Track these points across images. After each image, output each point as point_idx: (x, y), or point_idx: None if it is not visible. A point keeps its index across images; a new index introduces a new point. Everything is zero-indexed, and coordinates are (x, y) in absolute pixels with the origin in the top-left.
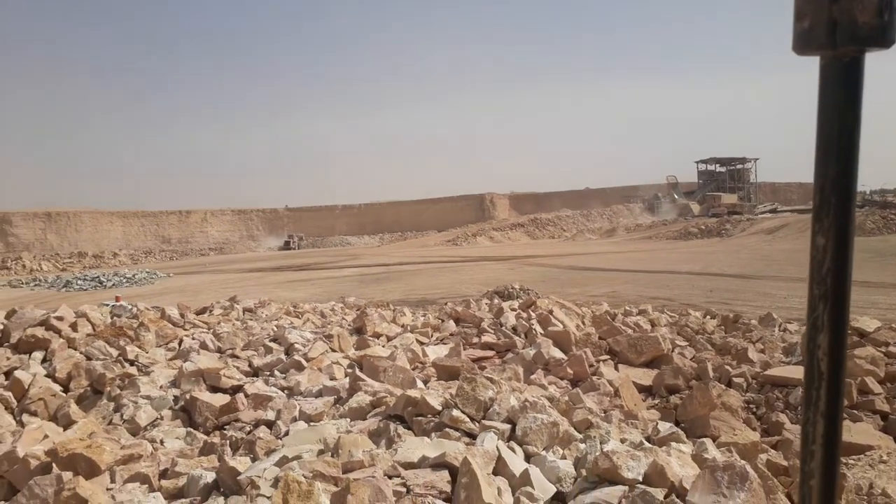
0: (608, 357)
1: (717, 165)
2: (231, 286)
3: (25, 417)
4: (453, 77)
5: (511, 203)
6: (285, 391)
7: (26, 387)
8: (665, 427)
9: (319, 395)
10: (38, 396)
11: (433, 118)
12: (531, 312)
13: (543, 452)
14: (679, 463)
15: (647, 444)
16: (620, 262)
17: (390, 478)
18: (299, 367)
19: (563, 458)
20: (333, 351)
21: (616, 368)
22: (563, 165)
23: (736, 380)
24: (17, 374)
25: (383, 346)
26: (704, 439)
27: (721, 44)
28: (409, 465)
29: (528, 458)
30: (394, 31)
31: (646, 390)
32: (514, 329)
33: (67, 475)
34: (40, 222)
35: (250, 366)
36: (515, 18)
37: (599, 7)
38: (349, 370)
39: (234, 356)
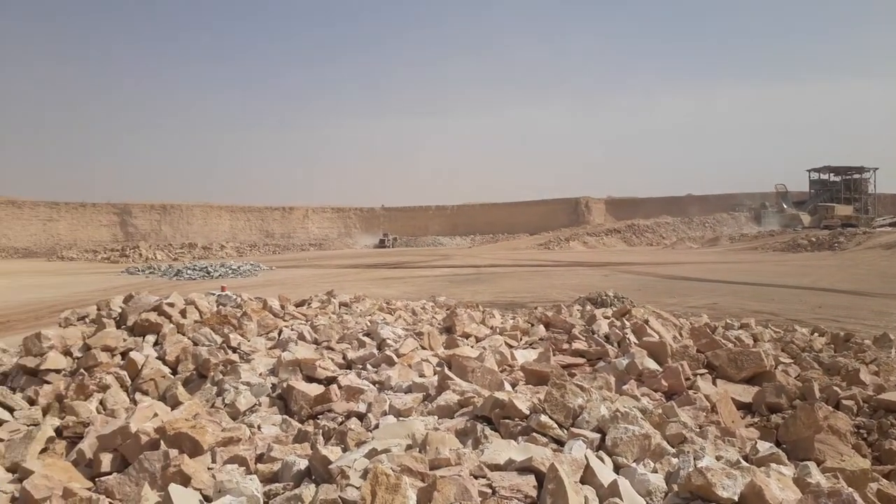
0: (706, 371)
1: (832, 174)
2: (328, 281)
3: (138, 396)
4: (552, 77)
5: (607, 208)
6: (376, 385)
7: (139, 367)
8: (764, 447)
9: (409, 391)
10: (150, 377)
11: (530, 119)
12: (625, 321)
13: (634, 464)
14: (779, 485)
15: (744, 464)
16: (723, 272)
17: (476, 478)
18: (390, 363)
19: (655, 471)
20: (423, 348)
21: (714, 383)
22: (664, 170)
23: (845, 402)
24: (132, 355)
25: (472, 347)
26: (808, 463)
27: (838, 45)
28: (494, 467)
29: (618, 469)
30: (488, 32)
31: (745, 407)
32: (607, 337)
33: (173, 452)
34: (156, 214)
35: (344, 358)
36: (616, 18)
37: (705, 7)
38: (438, 368)
39: (329, 348)
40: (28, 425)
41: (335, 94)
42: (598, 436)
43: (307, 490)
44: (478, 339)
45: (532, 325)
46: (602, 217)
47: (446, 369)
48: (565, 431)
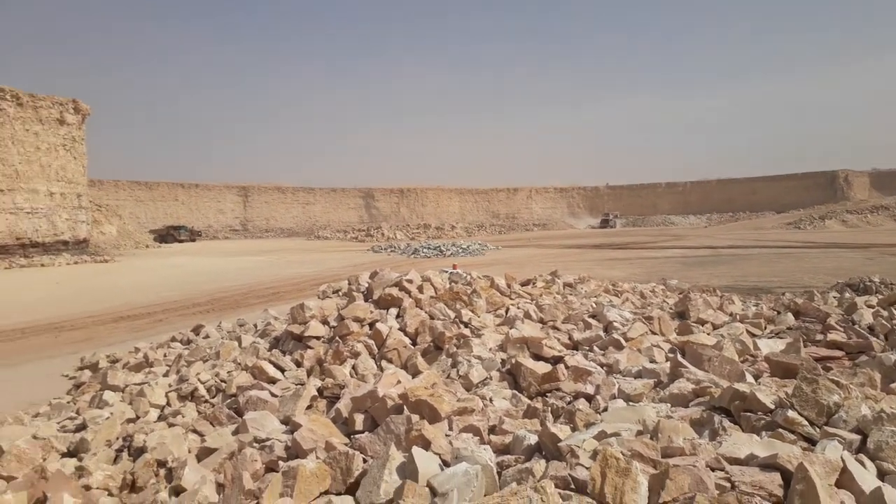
0: None
1: None
2: (552, 261)
3: (383, 363)
4: (806, 40)
5: (872, 181)
6: (604, 368)
7: (384, 337)
8: None
9: (639, 376)
10: (393, 346)
11: (774, 89)
12: (894, 311)
13: None
14: None
15: None
16: None
17: (713, 470)
18: (618, 346)
19: None
20: (653, 333)
21: None
22: None
23: None
24: (378, 326)
25: (708, 334)
26: None
27: None
28: (734, 461)
29: (882, 475)
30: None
31: None
32: (871, 329)
33: (415, 417)
34: (395, 197)
35: (570, 339)
36: None
37: None
38: (670, 355)
39: (554, 328)
40: (296, 384)
41: (556, 75)
42: (857, 437)
43: (538, 465)
44: (715, 326)
45: (779, 312)
46: (865, 192)
47: (679, 356)
48: (817, 430)
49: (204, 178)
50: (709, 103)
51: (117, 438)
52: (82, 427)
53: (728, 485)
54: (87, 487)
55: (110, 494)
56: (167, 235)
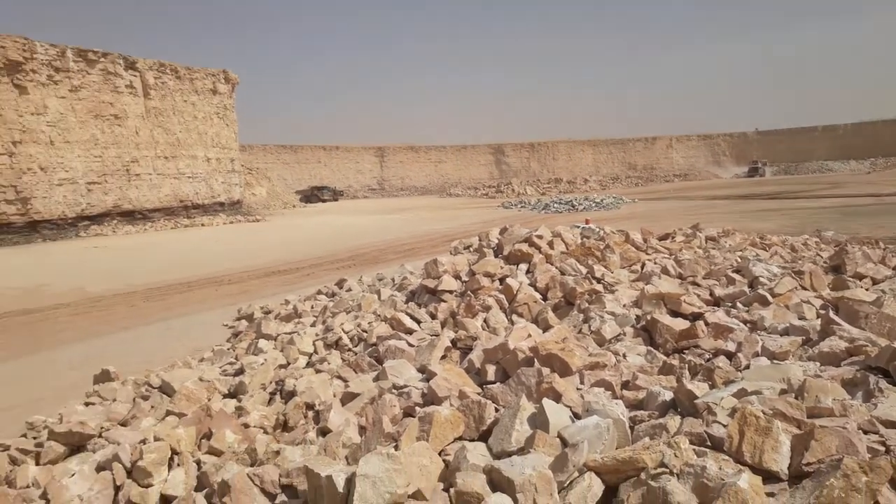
0: None
1: None
2: (694, 213)
3: (514, 317)
4: None
5: None
6: (747, 325)
7: (514, 292)
8: None
9: (785, 333)
10: (523, 301)
11: None
12: None
13: None
14: None
15: None
16: None
17: (865, 433)
18: (763, 302)
19: None
20: (804, 289)
21: None
22: None
23: None
24: (509, 281)
25: (866, 290)
26: None
27: None
28: (890, 424)
29: None
30: None
31: None
32: None
33: (545, 370)
34: (525, 152)
35: (711, 295)
36: None
37: None
38: (821, 311)
39: (694, 284)
40: (431, 335)
41: (696, 15)
42: None
43: (672, 421)
44: (875, 281)
45: None
46: None
47: (831, 313)
48: None
49: (344, 140)
50: (870, 33)
51: (271, 382)
52: (240, 371)
53: (882, 448)
54: (246, 425)
55: (265, 432)
56: (311, 196)
